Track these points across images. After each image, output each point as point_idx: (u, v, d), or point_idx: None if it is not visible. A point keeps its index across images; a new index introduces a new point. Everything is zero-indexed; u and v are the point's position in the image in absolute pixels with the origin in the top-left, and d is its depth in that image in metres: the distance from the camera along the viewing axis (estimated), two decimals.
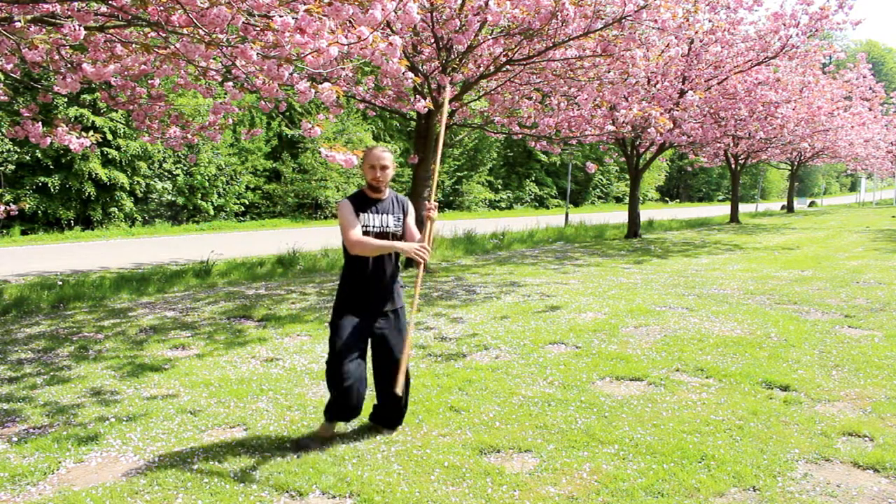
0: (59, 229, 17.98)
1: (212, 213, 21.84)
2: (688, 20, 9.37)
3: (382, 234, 3.56)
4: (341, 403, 3.55)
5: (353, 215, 3.50)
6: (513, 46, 8.67)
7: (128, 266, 11.17)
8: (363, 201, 3.58)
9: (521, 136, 11.89)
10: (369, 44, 4.16)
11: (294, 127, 23.18)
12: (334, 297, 3.71)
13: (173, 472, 3.32)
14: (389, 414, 3.79)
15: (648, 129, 10.71)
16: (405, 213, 3.68)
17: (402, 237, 3.67)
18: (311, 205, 24.65)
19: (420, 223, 7.96)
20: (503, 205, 34.85)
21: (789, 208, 36.54)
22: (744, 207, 36.69)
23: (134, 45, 5.62)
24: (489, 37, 8.69)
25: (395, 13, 4.56)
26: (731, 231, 20.87)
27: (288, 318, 6.84)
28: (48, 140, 6.21)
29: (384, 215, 3.58)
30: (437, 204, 3.64)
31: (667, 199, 51.12)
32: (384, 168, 3.54)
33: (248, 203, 23.36)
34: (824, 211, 39.12)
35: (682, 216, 29.08)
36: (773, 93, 14.52)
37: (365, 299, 3.59)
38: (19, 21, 4.43)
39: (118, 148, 18.63)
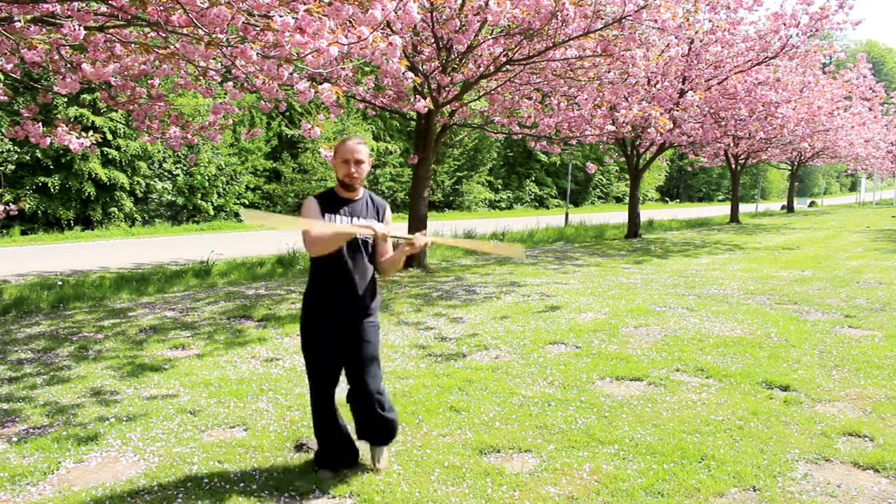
0: (59, 229, 17.97)
1: (212, 213, 21.84)
2: (688, 20, 9.37)
3: (351, 243, 3.08)
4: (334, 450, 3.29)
5: (316, 213, 3.04)
6: (513, 46, 8.67)
7: (128, 266, 11.17)
8: (332, 201, 3.10)
9: (521, 136, 11.89)
10: (369, 44, 4.16)
11: (294, 127, 23.18)
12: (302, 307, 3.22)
13: (173, 472, 3.32)
14: (372, 423, 3.27)
15: (648, 129, 10.71)
16: (380, 218, 3.19)
17: (373, 248, 3.19)
18: None
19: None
20: (503, 205, 34.84)
21: (789, 208, 36.54)
22: (744, 207, 36.69)
23: (133, 45, 5.62)
24: (489, 37, 8.69)
25: (395, 13, 4.56)
26: (731, 231, 20.88)
27: (288, 318, 6.84)
28: (48, 140, 6.22)
29: (356, 219, 3.09)
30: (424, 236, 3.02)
31: (667, 199, 51.12)
32: (359, 162, 3.06)
33: (248, 203, 23.36)
34: (824, 211, 39.12)
35: (682, 216, 29.09)
36: (773, 93, 14.52)
37: (336, 310, 3.13)
38: (19, 21, 4.44)
39: (118, 148, 18.62)
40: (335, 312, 3.13)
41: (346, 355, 3.18)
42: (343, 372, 3.26)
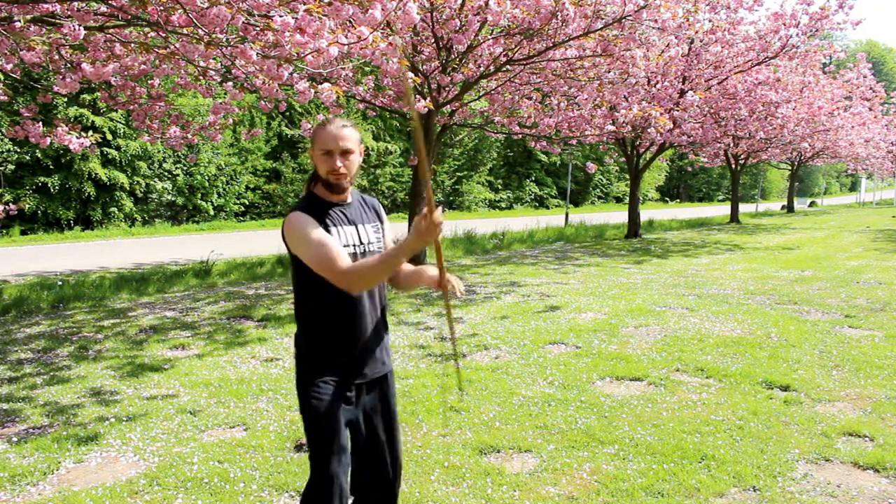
0: (59, 229, 17.97)
1: (212, 213, 21.84)
2: (688, 20, 9.38)
3: (353, 255, 2.24)
4: None
5: (322, 231, 2.16)
6: (513, 46, 8.67)
7: (128, 266, 11.17)
8: (322, 209, 2.24)
9: (521, 136, 11.89)
10: (369, 44, 4.16)
11: (294, 127, 23.17)
12: (298, 362, 2.31)
13: (173, 472, 3.32)
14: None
15: (648, 129, 10.71)
16: (381, 219, 2.41)
17: None
18: None
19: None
20: (503, 205, 34.84)
21: (789, 208, 36.53)
22: (744, 207, 36.66)
23: (133, 45, 5.62)
24: (489, 37, 8.68)
25: (395, 13, 4.56)
26: (731, 231, 20.88)
27: (288, 318, 6.84)
28: (48, 140, 6.22)
29: (360, 226, 2.29)
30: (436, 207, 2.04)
31: (667, 199, 51.09)
32: (346, 153, 2.20)
33: (248, 203, 23.36)
34: (824, 211, 39.12)
35: (682, 216, 29.08)
36: (773, 93, 14.52)
37: (352, 359, 2.27)
38: (19, 21, 4.43)
39: (118, 148, 18.63)
40: (345, 368, 2.25)
41: (365, 434, 2.35)
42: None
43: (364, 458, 2.37)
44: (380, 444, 2.36)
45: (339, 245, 2.17)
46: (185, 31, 4.64)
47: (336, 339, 2.25)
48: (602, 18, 8.15)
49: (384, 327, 2.38)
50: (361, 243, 2.27)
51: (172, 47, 5.14)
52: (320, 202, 2.26)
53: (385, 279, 2.22)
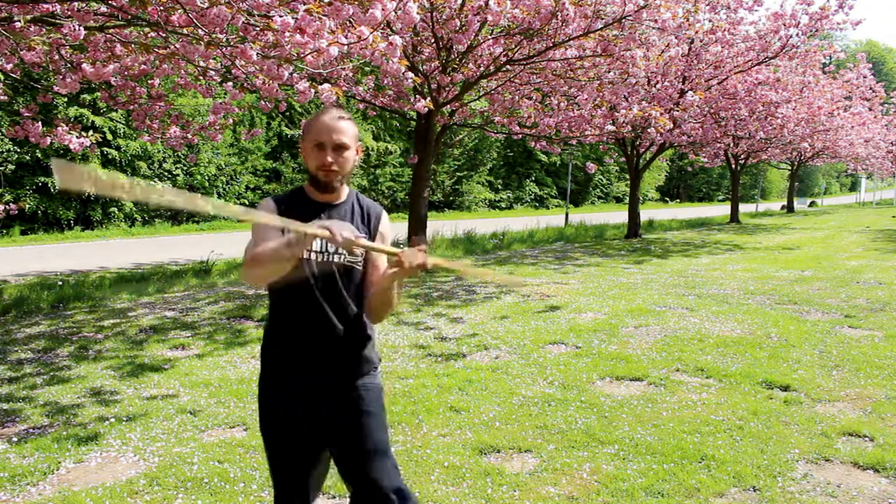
0: (59, 229, 17.97)
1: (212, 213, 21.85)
2: (688, 20, 9.38)
3: (321, 262, 2.01)
4: None
5: (267, 225, 1.94)
6: (513, 46, 8.67)
7: (128, 266, 11.16)
8: (299, 206, 2.02)
9: (521, 136, 11.89)
10: (369, 44, 4.16)
11: (294, 127, 23.18)
12: (262, 359, 2.12)
13: (173, 472, 3.32)
14: None
15: (648, 129, 10.71)
16: (373, 229, 2.10)
17: (364, 272, 2.08)
18: None
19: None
20: (503, 205, 34.84)
21: (789, 208, 36.53)
22: (744, 207, 36.63)
23: (133, 45, 5.62)
24: (489, 37, 8.69)
25: (395, 13, 4.56)
26: (731, 231, 20.87)
27: None
28: (48, 140, 6.22)
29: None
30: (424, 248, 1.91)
31: (667, 199, 51.07)
32: (340, 148, 1.97)
33: (248, 203, 23.37)
34: (824, 211, 39.12)
35: (682, 216, 29.07)
36: (773, 93, 14.53)
37: (313, 364, 2.04)
38: (19, 21, 4.44)
39: (118, 148, 18.63)
40: (303, 372, 2.03)
41: (335, 443, 2.06)
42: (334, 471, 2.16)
43: (349, 475, 2.09)
44: (348, 459, 2.07)
45: (273, 236, 1.91)
46: (185, 31, 4.64)
47: (296, 339, 2.02)
48: (602, 18, 8.15)
49: (361, 333, 2.08)
50: (327, 251, 1.99)
51: (172, 47, 5.14)
52: (302, 199, 2.04)
53: (282, 270, 1.87)
